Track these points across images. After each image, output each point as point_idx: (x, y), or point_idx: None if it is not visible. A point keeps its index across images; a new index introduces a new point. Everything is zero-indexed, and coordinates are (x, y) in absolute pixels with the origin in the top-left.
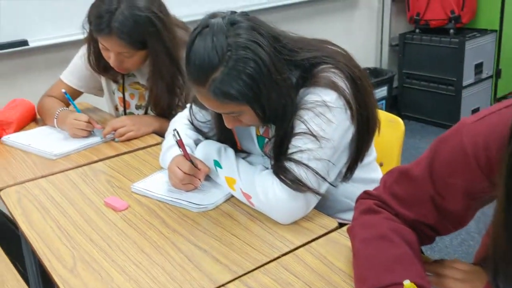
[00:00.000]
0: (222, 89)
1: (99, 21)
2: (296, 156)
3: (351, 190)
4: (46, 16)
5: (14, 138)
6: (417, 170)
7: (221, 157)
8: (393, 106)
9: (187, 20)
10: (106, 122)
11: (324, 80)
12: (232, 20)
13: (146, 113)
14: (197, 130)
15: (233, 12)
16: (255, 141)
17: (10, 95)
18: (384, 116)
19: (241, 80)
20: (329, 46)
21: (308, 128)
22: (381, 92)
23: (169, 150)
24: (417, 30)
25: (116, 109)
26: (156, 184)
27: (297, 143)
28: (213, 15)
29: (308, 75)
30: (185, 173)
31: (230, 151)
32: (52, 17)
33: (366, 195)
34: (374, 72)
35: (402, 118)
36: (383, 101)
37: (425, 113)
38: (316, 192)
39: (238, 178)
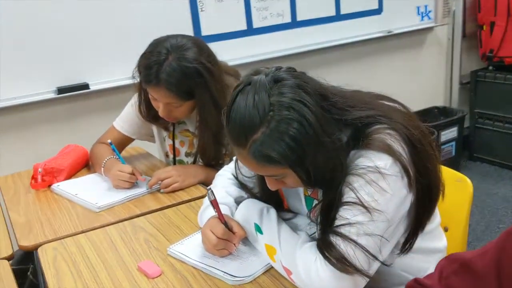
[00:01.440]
0: (262, 152)
1: (147, 72)
2: (343, 230)
3: (409, 262)
4: (106, 59)
5: (63, 187)
6: (482, 263)
7: (263, 220)
8: (464, 147)
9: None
10: (156, 169)
11: (378, 143)
12: (276, 77)
13: (195, 160)
14: (242, 185)
15: (278, 68)
16: (303, 201)
17: (67, 139)
18: (450, 175)
19: (283, 142)
20: (386, 102)
21: (358, 198)
22: (451, 133)
23: (206, 209)
24: (490, 67)
25: (167, 156)
26: (193, 247)
27: (345, 214)
28: (257, 72)
29: (360, 136)
30: (218, 238)
31: (273, 214)
32: (112, 60)
33: (416, 284)
34: (443, 111)
35: (474, 161)
36: (453, 143)
37: (499, 156)
38: (365, 274)
39: (278, 248)
